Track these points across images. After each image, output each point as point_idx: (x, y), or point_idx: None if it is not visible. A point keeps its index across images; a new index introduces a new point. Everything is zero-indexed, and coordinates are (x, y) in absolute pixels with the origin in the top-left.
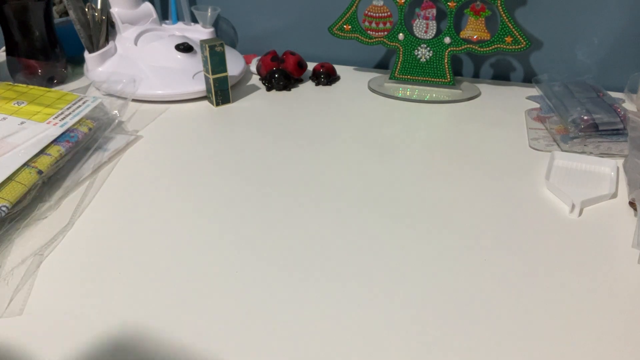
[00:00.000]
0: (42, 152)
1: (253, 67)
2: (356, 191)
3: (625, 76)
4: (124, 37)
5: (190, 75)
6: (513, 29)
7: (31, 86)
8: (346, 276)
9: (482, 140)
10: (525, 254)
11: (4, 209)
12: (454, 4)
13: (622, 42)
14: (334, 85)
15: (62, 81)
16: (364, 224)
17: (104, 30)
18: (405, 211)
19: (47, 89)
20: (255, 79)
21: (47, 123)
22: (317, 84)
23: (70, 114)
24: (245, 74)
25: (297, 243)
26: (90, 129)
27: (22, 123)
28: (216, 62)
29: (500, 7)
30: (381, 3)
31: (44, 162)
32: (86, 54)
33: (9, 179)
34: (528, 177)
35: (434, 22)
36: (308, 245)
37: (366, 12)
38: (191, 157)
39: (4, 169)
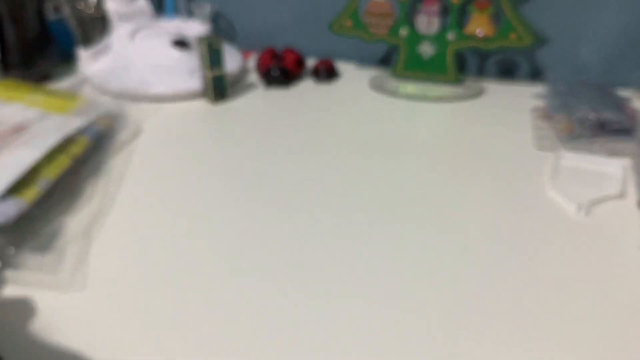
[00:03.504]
0: (72, 140)
1: (251, 64)
2: (356, 190)
3: (633, 73)
4: (119, 33)
5: (187, 72)
6: (517, 26)
7: (43, 87)
8: (347, 276)
9: (486, 139)
10: (530, 255)
11: (47, 183)
12: (458, 0)
13: (629, 38)
14: (334, 83)
15: (56, 78)
16: (365, 223)
17: (98, 27)
18: (407, 210)
19: (58, 89)
20: (253, 76)
21: (69, 115)
22: (316, 82)
23: (87, 111)
24: (244, 71)
25: (297, 242)
26: (109, 127)
27: (45, 114)
28: (214, 58)
29: (504, 3)
30: None
31: (75, 150)
32: (80, 51)
33: (48, 160)
34: (533, 177)
35: (437, 17)
36: (307, 244)
37: (367, 8)
38: (188, 154)
39: (42, 145)
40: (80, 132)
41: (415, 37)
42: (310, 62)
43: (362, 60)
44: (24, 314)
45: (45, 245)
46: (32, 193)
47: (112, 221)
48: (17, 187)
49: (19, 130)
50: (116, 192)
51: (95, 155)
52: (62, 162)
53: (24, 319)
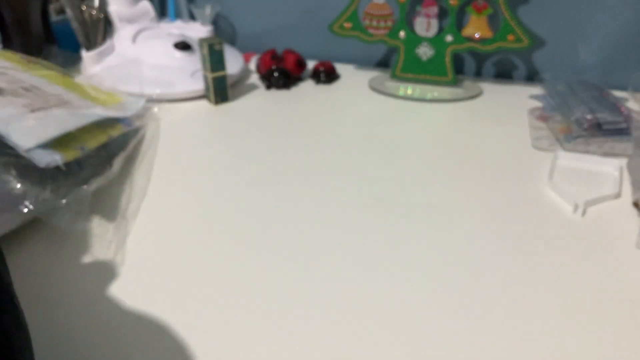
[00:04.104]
0: (109, 124)
1: (252, 66)
2: (356, 190)
3: (629, 75)
4: (122, 35)
5: (188, 73)
6: (515, 27)
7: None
8: (348, 276)
9: (484, 139)
10: (527, 254)
11: (85, 148)
12: (456, 2)
13: (626, 40)
14: (334, 84)
15: None
16: (365, 223)
17: (101, 29)
18: (406, 211)
19: (96, 86)
20: (254, 78)
21: (107, 106)
22: (317, 83)
23: (122, 108)
24: (245, 73)
25: (296, 242)
26: (140, 126)
27: (84, 99)
28: (215, 60)
29: (502, 5)
30: (382, 1)
31: (112, 132)
32: (83, 53)
33: (87, 130)
34: (531, 177)
35: (435, 20)
36: (307, 244)
37: (367, 9)
38: (189, 155)
39: (86, 116)
40: (118, 120)
41: (414, 39)
42: (311, 64)
43: (362, 61)
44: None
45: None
46: (71, 153)
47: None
48: (58, 145)
49: (61, 102)
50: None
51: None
52: (100, 138)
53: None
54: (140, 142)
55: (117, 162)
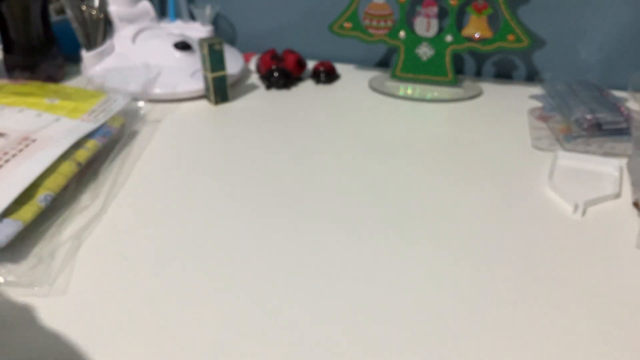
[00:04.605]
0: (80, 145)
1: (252, 66)
2: (356, 190)
3: (629, 75)
4: (122, 35)
5: (188, 73)
6: (515, 27)
7: (62, 85)
8: (347, 277)
9: (484, 139)
10: (527, 254)
11: (49, 197)
12: (456, 2)
13: (626, 40)
14: (334, 84)
15: (60, 79)
16: (364, 223)
17: (101, 29)
18: (406, 211)
19: (77, 87)
20: (254, 78)
21: (81, 120)
22: (317, 83)
23: (103, 110)
24: (245, 73)
25: (295, 242)
26: (122, 125)
27: (57, 120)
28: (215, 60)
29: (502, 5)
30: (382, 1)
31: (82, 155)
32: (83, 53)
33: (52, 170)
34: (531, 177)
35: (435, 20)
36: (306, 245)
37: (367, 10)
38: (189, 156)
39: (46, 159)
40: (91, 135)
41: (414, 39)
42: (311, 64)
43: (362, 61)
44: (6, 316)
45: (36, 249)
46: (30, 211)
47: (106, 224)
48: (14, 206)
49: (25, 139)
50: (116, 193)
51: (103, 154)
52: (68, 171)
53: (5, 322)
54: (124, 146)
55: (91, 195)
